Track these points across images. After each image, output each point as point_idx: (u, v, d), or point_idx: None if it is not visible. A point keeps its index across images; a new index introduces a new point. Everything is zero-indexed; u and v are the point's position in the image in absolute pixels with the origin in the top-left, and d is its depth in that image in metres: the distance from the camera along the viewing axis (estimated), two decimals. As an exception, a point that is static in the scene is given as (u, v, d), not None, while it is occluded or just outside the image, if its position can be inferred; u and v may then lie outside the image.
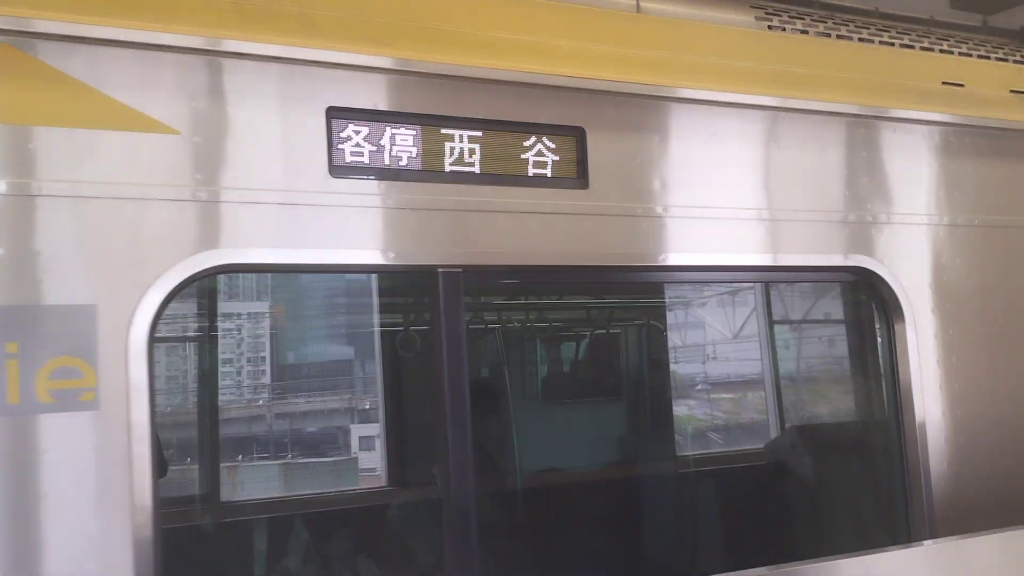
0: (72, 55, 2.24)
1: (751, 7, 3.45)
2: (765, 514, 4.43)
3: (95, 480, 2.16)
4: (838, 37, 3.54)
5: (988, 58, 3.89)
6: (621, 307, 5.68)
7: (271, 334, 3.93)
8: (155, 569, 2.18)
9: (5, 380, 2.10)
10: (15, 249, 2.15)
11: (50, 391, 2.14)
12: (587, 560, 4.40)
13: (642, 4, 3.20)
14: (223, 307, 3.36)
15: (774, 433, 5.24)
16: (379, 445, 4.35)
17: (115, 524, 2.16)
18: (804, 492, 4.36)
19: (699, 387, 6.01)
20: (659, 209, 2.93)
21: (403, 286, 4.53)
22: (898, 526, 3.27)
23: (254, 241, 2.39)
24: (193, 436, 3.88)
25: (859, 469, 3.79)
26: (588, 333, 5.77)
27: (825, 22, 3.59)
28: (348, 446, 4.82)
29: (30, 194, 2.17)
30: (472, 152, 2.72)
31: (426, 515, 4.14)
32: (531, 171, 2.80)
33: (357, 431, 4.77)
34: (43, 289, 2.17)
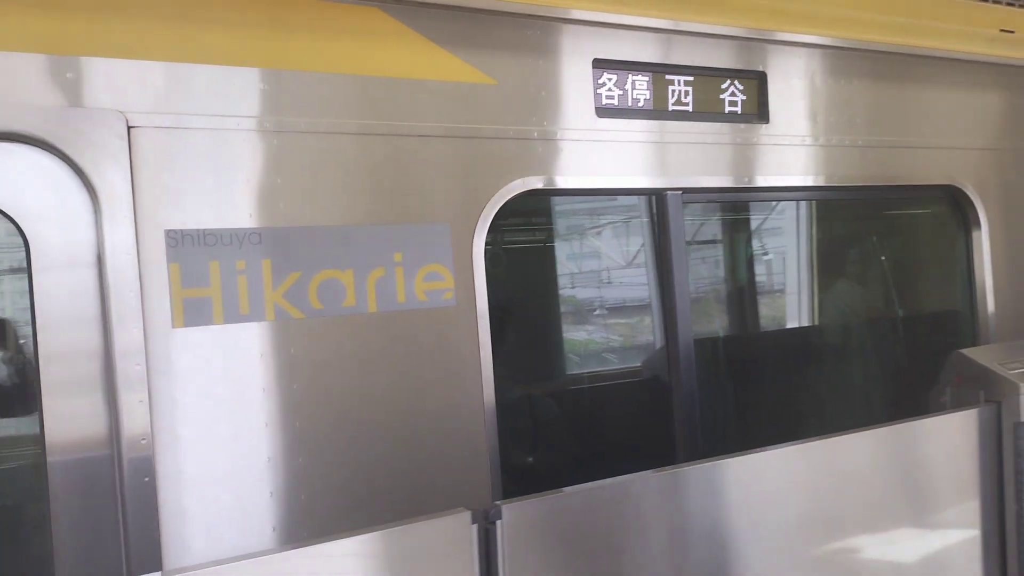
0: (423, 18, 2.75)
1: None
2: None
3: (458, 357, 2.78)
4: None
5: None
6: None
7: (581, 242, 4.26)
8: (495, 408, 2.82)
9: (395, 282, 2.69)
10: (396, 181, 2.70)
11: (425, 291, 2.74)
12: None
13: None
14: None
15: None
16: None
17: (471, 384, 2.80)
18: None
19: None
20: (821, 140, 3.62)
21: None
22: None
23: (554, 170, 2.99)
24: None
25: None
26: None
27: None
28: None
29: (399, 134, 2.71)
30: (687, 94, 3.34)
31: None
32: (727, 109, 3.44)
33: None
34: (413, 212, 2.74)
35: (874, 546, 3.05)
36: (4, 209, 2.23)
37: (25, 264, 2.27)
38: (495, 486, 2.80)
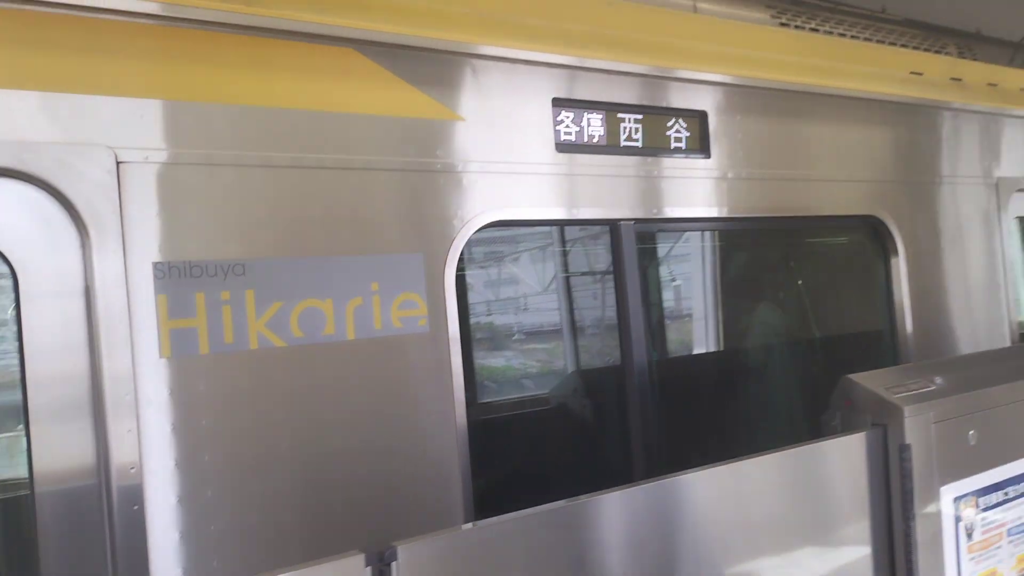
0: (397, 59, 2.89)
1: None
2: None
3: (432, 381, 2.90)
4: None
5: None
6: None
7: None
8: (466, 430, 2.94)
9: (372, 310, 2.80)
10: (373, 213, 2.82)
11: (400, 318, 2.86)
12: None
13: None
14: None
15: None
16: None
17: (445, 407, 2.92)
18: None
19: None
20: (758, 175, 3.89)
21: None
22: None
23: (517, 202, 3.15)
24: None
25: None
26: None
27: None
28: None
29: (376, 168, 2.83)
30: (637, 131, 3.56)
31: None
32: (672, 144, 3.68)
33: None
34: (389, 243, 2.85)
35: (776, 568, 3.03)
36: None
37: (13, 295, 2.30)
38: (467, 505, 2.92)
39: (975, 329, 4.76)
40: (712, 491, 2.87)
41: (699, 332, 4.70)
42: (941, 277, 4.65)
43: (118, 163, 2.37)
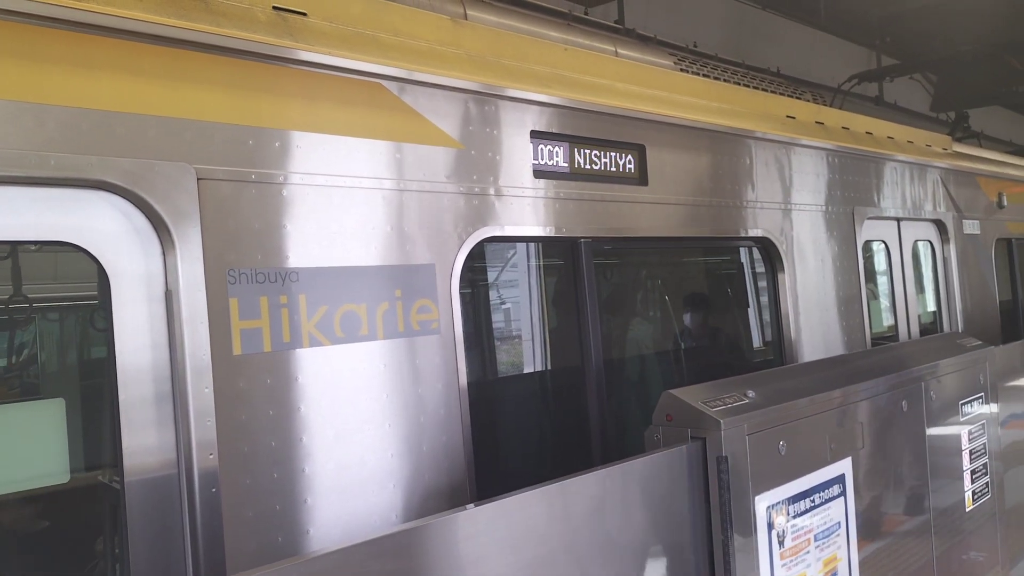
0: (411, 93, 3.28)
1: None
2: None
3: (442, 378, 3.30)
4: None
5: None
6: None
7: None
8: (470, 420, 3.36)
9: (397, 314, 3.16)
10: (396, 228, 3.19)
11: (418, 322, 3.24)
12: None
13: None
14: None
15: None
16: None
17: (451, 399, 3.32)
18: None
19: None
20: (682, 200, 4.55)
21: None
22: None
23: (505, 220, 3.61)
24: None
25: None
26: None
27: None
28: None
29: (399, 189, 3.21)
30: (594, 160, 4.11)
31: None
32: (620, 172, 4.26)
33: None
34: (408, 254, 3.23)
35: None
36: (89, 250, 2.47)
37: (105, 299, 2.51)
38: (471, 482, 3.32)
39: (841, 335, 5.67)
40: (542, 509, 2.88)
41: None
42: (814, 290, 5.52)
43: (198, 179, 2.63)
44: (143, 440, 2.53)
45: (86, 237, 2.48)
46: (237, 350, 2.70)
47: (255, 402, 2.74)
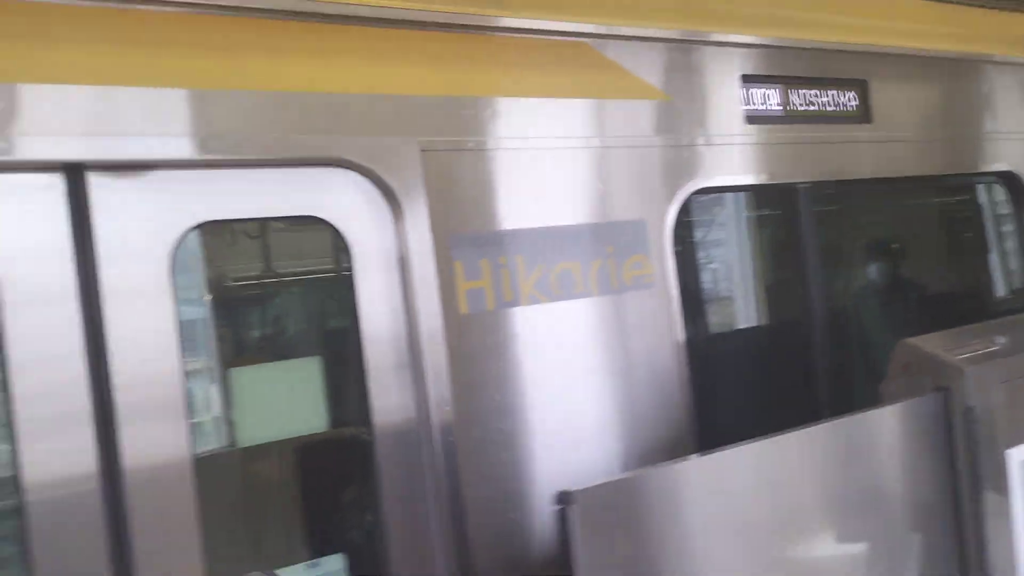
0: (617, 48, 3.28)
1: None
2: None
3: (659, 332, 3.32)
4: None
5: None
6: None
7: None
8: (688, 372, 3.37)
9: (609, 271, 3.21)
10: (606, 185, 3.23)
11: (632, 277, 3.27)
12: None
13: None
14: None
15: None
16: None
17: (669, 352, 3.33)
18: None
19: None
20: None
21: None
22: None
23: (716, 171, 3.53)
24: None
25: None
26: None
27: None
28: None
29: (607, 146, 3.24)
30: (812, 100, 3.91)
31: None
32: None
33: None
34: (618, 211, 3.26)
35: (833, 543, 3.04)
36: (334, 224, 2.72)
37: (348, 269, 2.76)
38: (691, 434, 3.33)
39: None
40: (779, 459, 2.92)
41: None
42: None
43: (421, 151, 2.81)
44: (387, 396, 2.77)
45: (330, 211, 2.73)
46: (464, 309, 2.87)
47: (482, 358, 2.90)
